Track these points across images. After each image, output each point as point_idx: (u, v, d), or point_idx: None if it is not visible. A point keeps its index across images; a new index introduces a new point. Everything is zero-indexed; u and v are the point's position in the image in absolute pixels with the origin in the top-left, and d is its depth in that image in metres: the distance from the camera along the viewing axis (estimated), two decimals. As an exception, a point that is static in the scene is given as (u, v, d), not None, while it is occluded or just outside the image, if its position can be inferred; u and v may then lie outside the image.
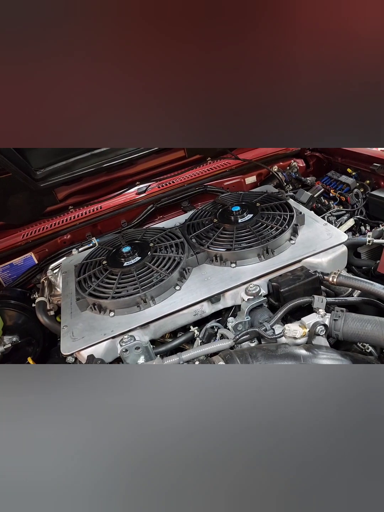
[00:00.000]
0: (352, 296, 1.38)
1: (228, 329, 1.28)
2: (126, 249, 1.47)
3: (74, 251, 1.84)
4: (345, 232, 1.76)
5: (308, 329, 1.12)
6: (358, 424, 0.68)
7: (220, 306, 1.36)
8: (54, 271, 1.75)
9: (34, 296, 1.77)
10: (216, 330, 1.33)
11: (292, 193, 1.92)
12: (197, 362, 1.07)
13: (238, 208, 1.55)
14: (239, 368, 0.94)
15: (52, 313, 1.64)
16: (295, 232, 1.46)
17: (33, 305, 1.65)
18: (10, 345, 1.70)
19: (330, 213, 1.88)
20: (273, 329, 1.16)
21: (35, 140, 0.82)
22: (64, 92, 0.78)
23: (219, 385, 0.73)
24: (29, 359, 1.63)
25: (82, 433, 0.67)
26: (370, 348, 1.31)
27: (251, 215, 1.54)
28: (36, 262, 1.96)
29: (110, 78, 0.78)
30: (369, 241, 1.51)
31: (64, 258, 1.83)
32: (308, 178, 2.14)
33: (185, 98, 0.81)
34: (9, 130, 0.80)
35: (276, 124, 0.86)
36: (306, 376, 0.75)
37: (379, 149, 1.99)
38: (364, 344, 1.32)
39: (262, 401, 0.71)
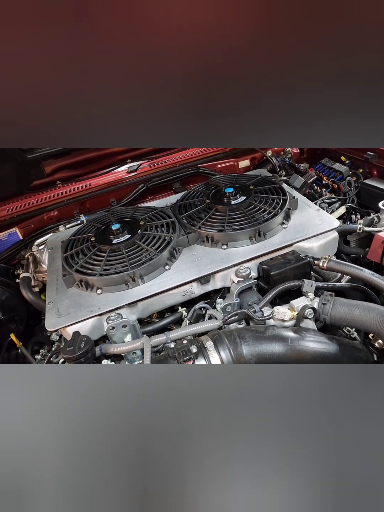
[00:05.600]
0: (340, 283, 1.40)
1: (217, 310, 1.27)
2: (116, 226, 1.43)
3: (61, 228, 1.79)
4: (336, 219, 1.76)
5: (296, 312, 1.13)
6: (357, 424, 0.68)
7: (209, 287, 1.35)
8: (40, 247, 1.70)
9: (18, 272, 1.72)
10: (204, 311, 1.33)
11: (285, 178, 1.91)
12: (185, 342, 1.06)
13: (231, 189, 1.53)
14: (232, 368, 0.93)
15: (36, 289, 1.60)
16: (287, 216, 1.45)
17: (17, 280, 1.60)
18: (-8, 321, 1.66)
19: (322, 200, 1.87)
20: (262, 311, 1.16)
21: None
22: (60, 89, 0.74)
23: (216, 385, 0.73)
24: (12, 336, 1.60)
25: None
26: (355, 334, 1.33)
27: (244, 197, 1.52)
28: (21, 237, 1.89)
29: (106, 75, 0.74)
30: (359, 228, 1.51)
31: (51, 234, 1.78)
32: (301, 164, 2.12)
33: (184, 97, 0.78)
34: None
35: (274, 124, 0.84)
36: (306, 376, 0.74)
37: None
38: (349, 329, 1.34)
39: (261, 402, 0.70)
